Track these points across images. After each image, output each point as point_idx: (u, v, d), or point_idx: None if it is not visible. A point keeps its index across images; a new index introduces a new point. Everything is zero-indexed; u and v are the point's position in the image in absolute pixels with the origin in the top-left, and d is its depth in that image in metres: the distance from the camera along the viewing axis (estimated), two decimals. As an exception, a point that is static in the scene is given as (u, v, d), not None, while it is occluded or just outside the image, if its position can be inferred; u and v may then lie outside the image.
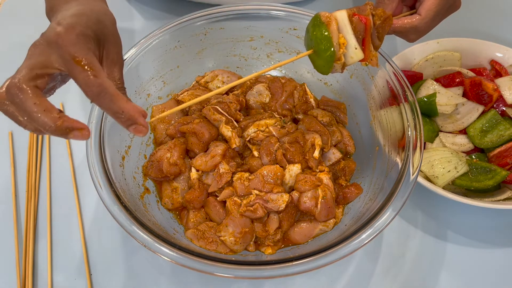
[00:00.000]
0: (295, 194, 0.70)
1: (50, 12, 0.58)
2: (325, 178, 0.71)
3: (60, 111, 0.50)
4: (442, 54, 0.92)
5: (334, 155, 0.78)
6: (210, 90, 0.85)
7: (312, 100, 0.84)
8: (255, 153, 0.74)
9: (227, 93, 0.85)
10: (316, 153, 0.74)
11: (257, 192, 0.69)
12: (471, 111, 0.86)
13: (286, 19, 0.83)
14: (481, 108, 0.85)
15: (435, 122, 0.87)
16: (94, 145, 0.66)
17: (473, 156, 0.84)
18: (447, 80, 0.90)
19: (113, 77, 0.58)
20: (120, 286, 0.74)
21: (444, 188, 0.78)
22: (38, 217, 0.81)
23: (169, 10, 1.12)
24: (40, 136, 0.90)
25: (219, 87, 0.84)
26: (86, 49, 0.51)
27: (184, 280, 0.75)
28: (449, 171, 0.78)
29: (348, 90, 0.87)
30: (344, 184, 0.76)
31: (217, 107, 0.77)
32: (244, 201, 0.69)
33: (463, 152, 0.84)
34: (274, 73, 0.92)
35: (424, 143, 0.84)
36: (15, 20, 1.11)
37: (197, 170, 0.74)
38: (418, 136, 0.68)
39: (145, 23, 1.10)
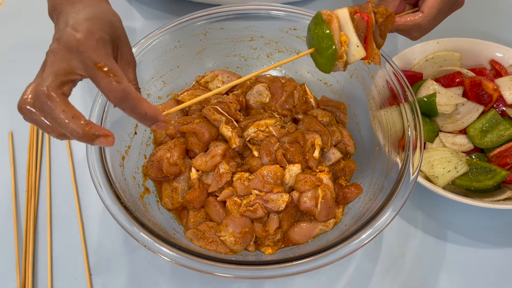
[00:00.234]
0: (295, 194, 0.70)
1: (54, 11, 0.58)
2: (325, 178, 0.71)
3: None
4: (442, 54, 0.92)
5: (334, 155, 0.78)
6: (210, 90, 0.85)
7: (312, 100, 0.84)
8: (255, 153, 0.74)
9: (227, 93, 0.85)
10: (316, 153, 0.74)
11: (257, 192, 0.69)
12: (471, 111, 0.86)
13: (286, 19, 0.83)
14: (481, 108, 0.85)
15: (435, 122, 0.87)
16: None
17: (473, 156, 0.84)
18: (447, 80, 0.90)
19: (128, 77, 0.59)
20: (120, 286, 0.74)
21: (444, 188, 0.78)
22: (38, 217, 0.81)
23: (169, 10, 1.12)
24: (40, 136, 0.90)
25: (219, 87, 0.83)
26: (107, 54, 0.52)
27: (184, 280, 0.75)
28: (449, 171, 0.78)
29: (348, 90, 0.87)
30: (344, 184, 0.76)
31: (217, 107, 0.77)
32: (244, 201, 0.69)
33: (463, 152, 0.84)
34: (274, 73, 0.92)
35: (424, 143, 0.84)
36: (15, 20, 1.10)
37: (197, 170, 0.74)
38: (418, 136, 0.68)
39: (145, 23, 1.10)
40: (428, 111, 0.86)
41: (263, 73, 0.81)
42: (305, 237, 0.71)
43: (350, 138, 0.82)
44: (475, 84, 0.86)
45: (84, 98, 0.93)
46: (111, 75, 0.49)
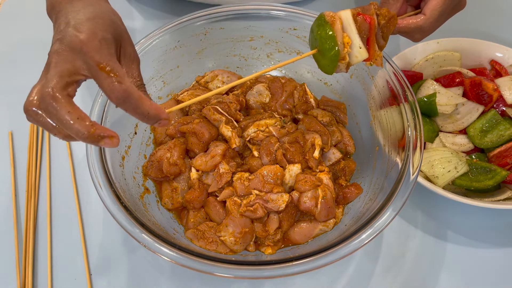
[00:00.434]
0: (295, 194, 0.70)
1: (52, 10, 0.58)
2: (325, 178, 0.71)
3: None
4: (442, 54, 0.92)
5: (334, 155, 0.78)
6: (210, 90, 0.85)
7: (312, 100, 0.84)
8: (255, 153, 0.74)
9: (227, 93, 0.85)
10: (316, 153, 0.74)
11: (257, 192, 0.69)
12: (471, 111, 0.86)
13: (286, 19, 0.83)
14: (481, 108, 0.85)
15: (435, 122, 0.87)
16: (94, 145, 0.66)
17: (473, 156, 0.84)
18: (447, 80, 0.90)
19: (132, 74, 0.58)
20: (120, 286, 0.74)
21: (444, 188, 0.78)
22: (38, 217, 0.81)
23: (169, 10, 1.12)
24: (40, 136, 0.90)
25: (219, 87, 0.84)
26: (110, 54, 0.52)
27: (184, 280, 0.75)
28: (449, 171, 0.78)
29: (348, 90, 0.87)
30: (344, 184, 0.76)
31: (217, 107, 0.77)
32: (244, 201, 0.69)
33: (463, 152, 0.84)
34: (274, 73, 0.92)
35: (424, 143, 0.84)
36: (15, 20, 1.11)
37: (197, 170, 0.74)
38: (418, 136, 0.68)
39: (145, 23, 1.10)
40: (428, 111, 0.86)
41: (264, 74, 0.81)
42: (305, 237, 0.71)
43: (350, 138, 0.82)
44: (475, 84, 0.86)
45: (84, 98, 0.93)
46: (113, 75, 0.49)
